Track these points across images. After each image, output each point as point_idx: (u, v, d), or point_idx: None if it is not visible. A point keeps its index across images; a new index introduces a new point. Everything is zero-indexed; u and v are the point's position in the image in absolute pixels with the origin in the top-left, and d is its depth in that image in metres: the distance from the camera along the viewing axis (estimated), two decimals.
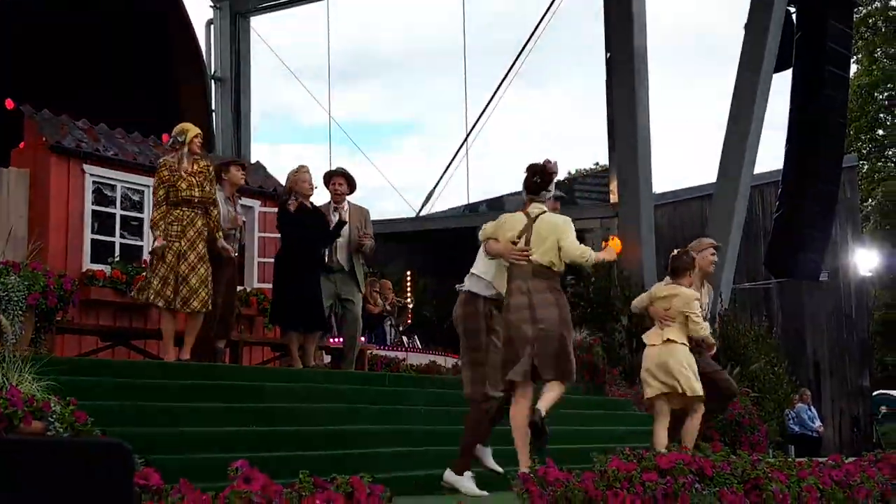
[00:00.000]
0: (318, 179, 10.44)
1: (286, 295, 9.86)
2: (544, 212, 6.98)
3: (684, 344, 8.51)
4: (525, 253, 6.88)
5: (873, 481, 6.92)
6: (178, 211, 8.80)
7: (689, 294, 8.51)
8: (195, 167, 8.98)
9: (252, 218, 12.07)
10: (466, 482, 6.94)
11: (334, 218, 10.28)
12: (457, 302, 7.31)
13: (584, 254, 6.84)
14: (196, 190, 8.88)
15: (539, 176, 7.05)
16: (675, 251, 8.81)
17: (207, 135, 16.74)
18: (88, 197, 10.82)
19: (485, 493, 6.84)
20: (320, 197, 10.56)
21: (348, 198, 10.60)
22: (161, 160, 9.10)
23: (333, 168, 10.80)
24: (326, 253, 10.29)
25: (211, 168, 9.23)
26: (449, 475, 6.98)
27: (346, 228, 10.31)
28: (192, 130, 9.07)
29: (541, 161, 7.09)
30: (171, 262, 8.71)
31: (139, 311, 10.95)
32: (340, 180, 10.52)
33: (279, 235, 10.38)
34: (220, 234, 9.38)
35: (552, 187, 7.08)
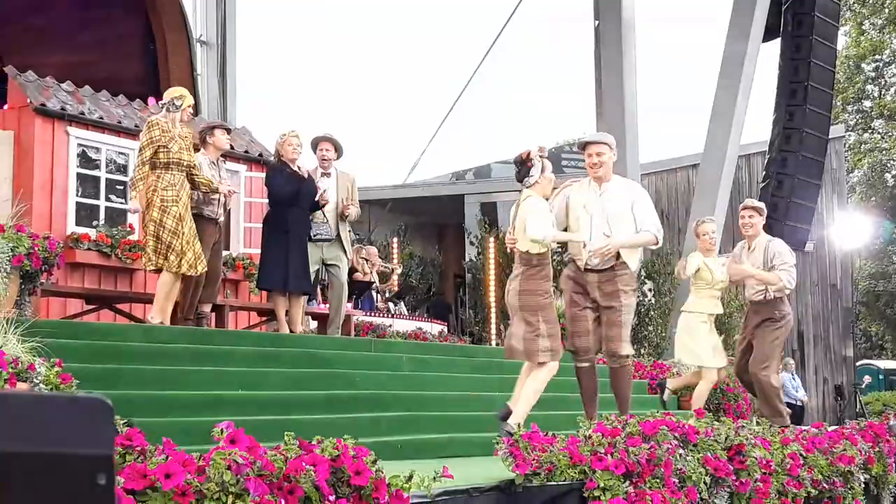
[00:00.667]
0: (307, 144, 10.41)
1: (272, 257, 9.83)
2: (528, 196, 7.09)
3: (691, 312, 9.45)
4: (511, 240, 7.19)
5: (856, 449, 6.97)
6: (169, 174, 8.70)
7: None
8: (183, 131, 8.93)
9: (238, 182, 12.03)
10: None
11: (321, 183, 10.26)
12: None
13: (537, 235, 6.90)
14: (185, 154, 8.82)
15: (518, 165, 7.26)
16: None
17: (193, 98, 16.65)
18: (73, 159, 10.76)
19: None
20: (309, 161, 10.54)
21: (335, 163, 10.59)
22: (153, 118, 8.93)
23: (321, 133, 10.76)
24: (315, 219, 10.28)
25: (191, 135, 9.16)
26: None
27: (333, 193, 10.30)
28: (189, 98, 9.00)
29: (523, 151, 7.27)
30: (172, 226, 8.62)
31: (124, 274, 10.93)
32: (328, 145, 10.51)
33: (266, 200, 10.35)
34: (207, 194, 9.34)
35: (535, 171, 7.15)
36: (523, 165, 7.23)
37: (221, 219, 9.83)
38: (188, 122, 9.22)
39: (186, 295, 9.14)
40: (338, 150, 10.57)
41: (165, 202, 8.63)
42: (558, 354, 7.01)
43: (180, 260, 8.61)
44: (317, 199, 10.07)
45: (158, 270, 8.74)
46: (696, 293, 9.56)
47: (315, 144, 10.56)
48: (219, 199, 9.67)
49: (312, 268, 10.14)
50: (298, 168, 10.04)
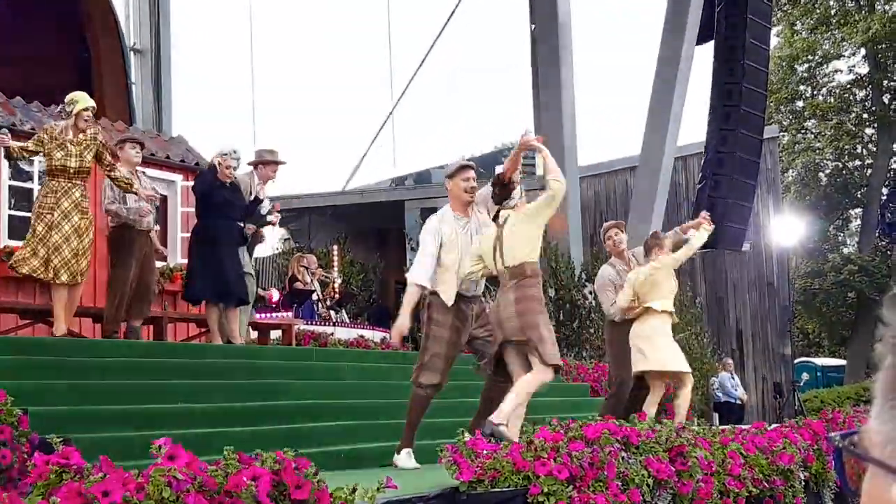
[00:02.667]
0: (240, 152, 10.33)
1: (201, 267, 9.72)
2: (511, 218, 6.96)
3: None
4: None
5: (795, 447, 7.04)
6: (53, 182, 8.58)
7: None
8: (79, 137, 8.76)
9: (174, 192, 11.90)
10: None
11: (258, 190, 10.19)
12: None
13: None
14: (73, 160, 8.62)
15: (498, 187, 7.05)
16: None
17: (126, 107, 16.48)
18: (5, 171, 10.57)
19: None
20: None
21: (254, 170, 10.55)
22: (47, 124, 8.84)
23: (268, 153, 10.57)
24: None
25: (97, 137, 8.97)
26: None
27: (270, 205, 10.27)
28: (83, 102, 8.79)
29: (503, 172, 7.13)
30: (41, 233, 8.47)
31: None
32: (276, 168, 10.43)
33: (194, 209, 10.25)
34: (133, 192, 9.24)
35: (516, 194, 7.03)
36: (504, 187, 7.02)
37: (152, 230, 9.68)
38: (89, 126, 8.97)
39: (72, 304, 8.91)
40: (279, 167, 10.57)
41: (42, 209, 8.53)
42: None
43: (46, 266, 8.47)
44: (266, 215, 10.04)
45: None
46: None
47: (266, 164, 10.41)
48: (146, 210, 9.54)
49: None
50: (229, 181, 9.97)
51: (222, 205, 9.71)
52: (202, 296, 9.83)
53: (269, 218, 10.14)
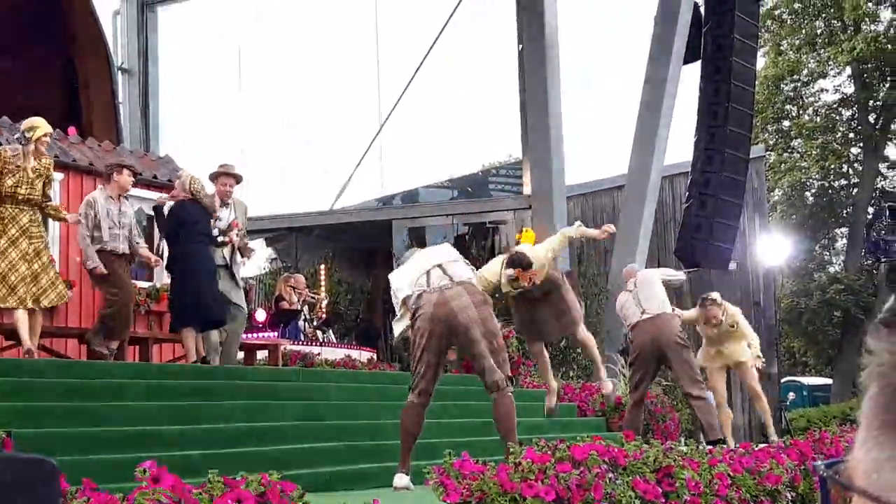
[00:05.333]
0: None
1: (184, 296, 9.76)
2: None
3: None
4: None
5: (782, 468, 7.04)
6: (1, 207, 8.60)
7: None
8: (34, 164, 8.76)
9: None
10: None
11: (221, 213, 10.22)
12: (464, 301, 6.96)
13: None
14: (23, 188, 8.65)
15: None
16: None
17: (114, 127, 16.45)
18: None
19: None
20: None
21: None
22: (1, 148, 8.86)
23: (221, 167, 10.61)
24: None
25: (50, 167, 9.02)
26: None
27: (227, 221, 10.26)
28: (41, 129, 8.77)
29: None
30: None
31: (45, 311, 10.70)
32: (230, 180, 10.44)
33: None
34: (112, 228, 9.33)
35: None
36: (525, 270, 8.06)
37: (126, 252, 9.69)
38: (42, 153, 8.96)
39: (35, 325, 8.92)
40: (238, 181, 10.56)
41: None
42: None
43: None
44: (219, 234, 10.05)
45: None
46: None
47: (217, 177, 10.45)
48: (121, 234, 9.56)
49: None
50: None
51: (192, 228, 9.80)
52: (188, 325, 9.87)
53: (219, 239, 10.10)
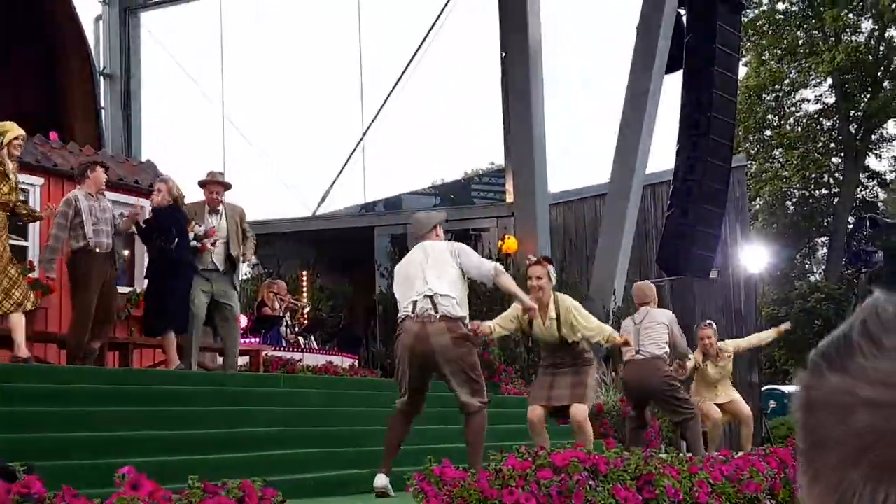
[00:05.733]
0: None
1: (157, 301, 9.88)
2: None
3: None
4: None
5: (762, 475, 7.06)
6: None
7: None
8: (11, 166, 8.76)
9: (144, 217, 11.84)
10: None
11: (211, 220, 10.24)
12: (434, 328, 6.95)
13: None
14: (13, 194, 8.75)
15: None
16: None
17: (95, 132, 16.39)
18: None
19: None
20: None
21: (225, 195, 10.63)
22: None
23: (208, 175, 10.63)
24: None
25: (16, 169, 8.99)
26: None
27: (223, 226, 10.26)
28: (14, 131, 8.79)
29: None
30: None
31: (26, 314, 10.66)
32: (218, 188, 10.47)
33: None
34: (96, 224, 9.31)
35: None
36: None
37: (107, 251, 9.66)
38: (14, 157, 8.97)
39: (18, 329, 8.90)
40: (227, 188, 10.58)
41: None
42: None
43: None
44: (199, 239, 10.08)
45: None
46: None
47: (205, 184, 10.48)
48: (105, 231, 9.55)
49: (201, 299, 10.05)
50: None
51: (170, 234, 9.85)
52: (161, 332, 9.97)
53: (192, 243, 10.14)
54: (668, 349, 9.85)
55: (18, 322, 8.60)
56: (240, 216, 10.58)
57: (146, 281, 10.33)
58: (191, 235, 10.10)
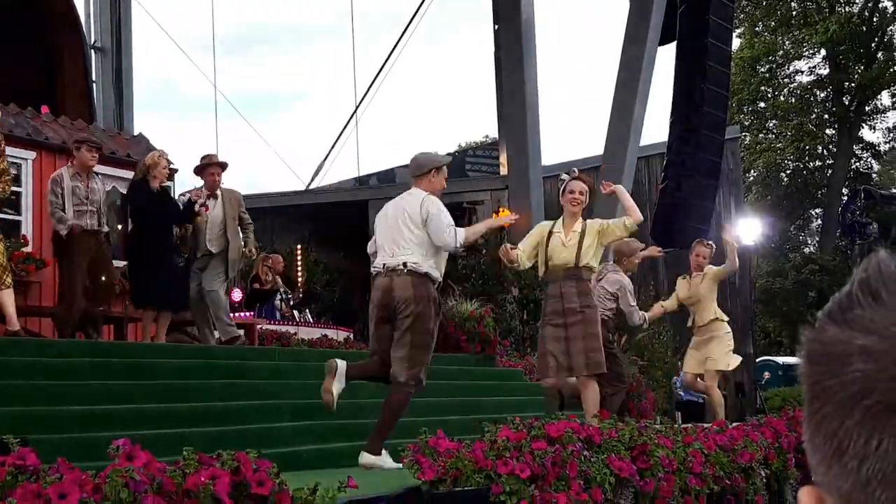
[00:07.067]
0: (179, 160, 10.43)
1: (143, 276, 9.94)
2: None
3: None
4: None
5: (756, 445, 7.08)
6: None
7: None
8: None
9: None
10: (388, 460, 6.84)
11: (209, 203, 10.23)
12: (399, 281, 7.01)
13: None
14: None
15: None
16: None
17: (87, 106, 16.32)
18: None
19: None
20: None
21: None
22: None
23: (206, 158, 10.61)
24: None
25: (1, 142, 8.96)
26: (366, 458, 6.87)
27: (219, 212, 10.24)
28: None
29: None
30: None
31: (18, 288, 10.65)
32: (217, 170, 10.46)
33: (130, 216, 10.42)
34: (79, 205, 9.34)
35: None
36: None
37: (105, 230, 9.70)
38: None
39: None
40: (224, 168, 10.56)
41: None
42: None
43: None
44: (197, 212, 10.10)
45: None
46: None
47: (202, 169, 10.45)
48: (91, 211, 9.54)
49: (197, 280, 10.22)
50: (161, 187, 10.05)
51: (155, 214, 9.81)
52: (146, 305, 10.08)
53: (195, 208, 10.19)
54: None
55: (8, 297, 8.60)
56: (238, 201, 10.56)
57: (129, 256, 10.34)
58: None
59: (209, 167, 10.42)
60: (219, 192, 10.41)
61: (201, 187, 10.43)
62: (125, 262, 11.23)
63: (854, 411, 0.73)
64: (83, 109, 15.62)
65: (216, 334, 10.61)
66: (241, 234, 10.44)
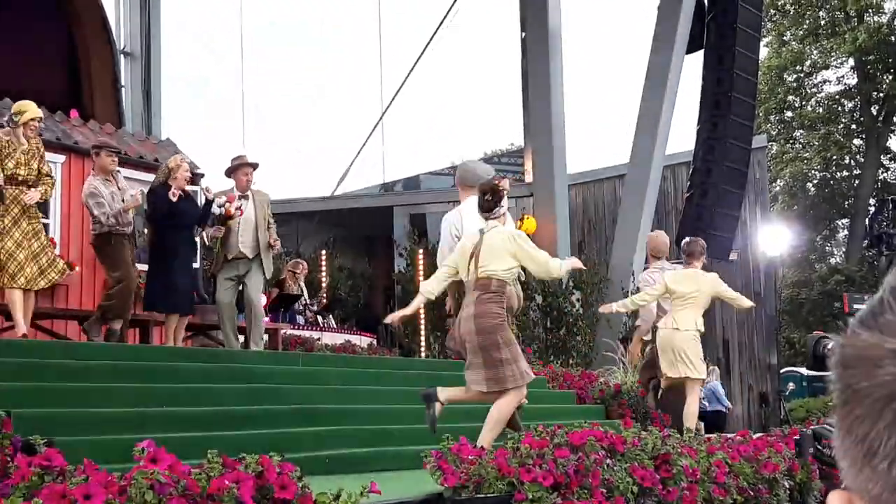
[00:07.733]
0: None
1: (154, 280, 10.11)
2: (497, 227, 7.11)
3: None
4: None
5: (780, 456, 7.05)
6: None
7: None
8: (26, 145, 8.88)
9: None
10: None
11: (242, 203, 10.28)
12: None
13: (558, 267, 7.15)
14: (23, 168, 8.82)
15: (490, 194, 7.15)
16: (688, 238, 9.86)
17: (116, 110, 16.44)
18: None
19: None
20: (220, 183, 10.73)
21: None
22: None
23: (239, 159, 10.65)
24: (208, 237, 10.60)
25: (40, 147, 9.15)
26: None
27: (251, 214, 10.28)
28: (30, 113, 8.95)
29: (492, 179, 7.29)
30: None
31: (45, 291, 10.72)
32: (250, 170, 10.51)
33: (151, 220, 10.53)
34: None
35: (504, 203, 7.19)
36: (495, 195, 7.12)
37: (128, 230, 9.83)
38: (35, 135, 9.14)
39: (30, 307, 9.15)
40: (255, 168, 10.62)
41: None
42: (525, 378, 6.95)
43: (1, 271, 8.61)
44: (232, 212, 10.14)
45: None
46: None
47: (234, 170, 10.49)
48: (126, 211, 9.68)
49: (228, 284, 10.28)
50: (184, 191, 10.12)
51: (176, 217, 9.96)
52: (154, 308, 10.23)
53: (217, 211, 10.22)
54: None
55: (18, 299, 8.75)
56: (268, 203, 10.61)
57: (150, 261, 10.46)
58: (216, 209, 10.19)
59: (241, 168, 10.45)
60: (249, 193, 10.44)
61: (232, 188, 10.47)
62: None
63: (885, 413, 0.74)
64: (112, 114, 15.74)
65: (241, 339, 10.67)
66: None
